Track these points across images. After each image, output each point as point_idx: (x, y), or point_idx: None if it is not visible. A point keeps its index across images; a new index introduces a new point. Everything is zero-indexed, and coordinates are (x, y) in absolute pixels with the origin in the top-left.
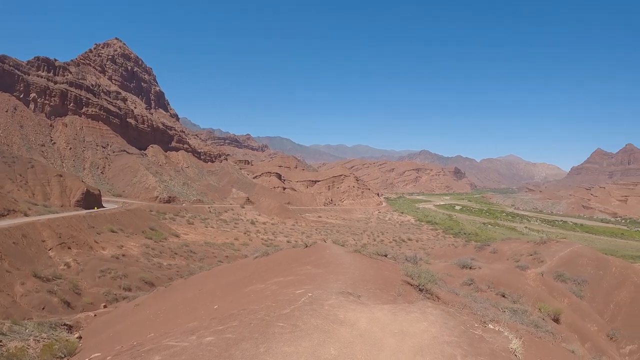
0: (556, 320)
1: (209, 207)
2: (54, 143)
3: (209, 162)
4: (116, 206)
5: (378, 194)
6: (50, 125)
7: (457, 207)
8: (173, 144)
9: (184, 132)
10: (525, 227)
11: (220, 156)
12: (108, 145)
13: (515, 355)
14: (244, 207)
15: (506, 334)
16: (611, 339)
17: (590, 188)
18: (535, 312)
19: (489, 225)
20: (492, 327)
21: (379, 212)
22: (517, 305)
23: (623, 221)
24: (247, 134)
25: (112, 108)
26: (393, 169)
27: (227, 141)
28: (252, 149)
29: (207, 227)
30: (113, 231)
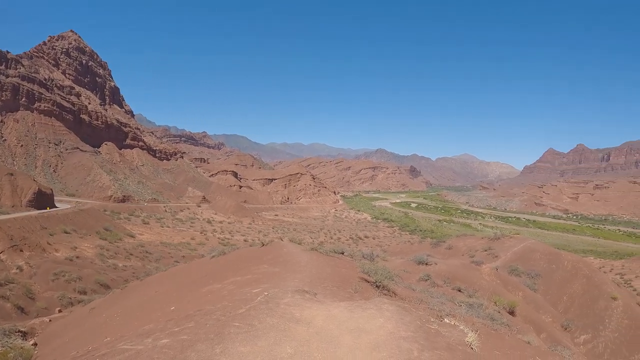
0: (512, 313)
1: (164, 207)
2: (5, 140)
3: (165, 160)
4: (69, 206)
5: (334, 192)
6: (1, 121)
7: (413, 205)
8: (128, 141)
9: (139, 129)
10: (480, 223)
11: (175, 154)
12: (61, 142)
13: (472, 348)
14: (200, 206)
15: (462, 327)
16: (565, 329)
17: (542, 186)
18: (491, 306)
19: (444, 222)
20: (448, 321)
21: (336, 210)
22: (473, 299)
23: (574, 217)
24: (204, 132)
25: (65, 104)
26: (349, 167)
27: (182, 139)
28: (208, 147)
29: (162, 227)
30: (66, 232)
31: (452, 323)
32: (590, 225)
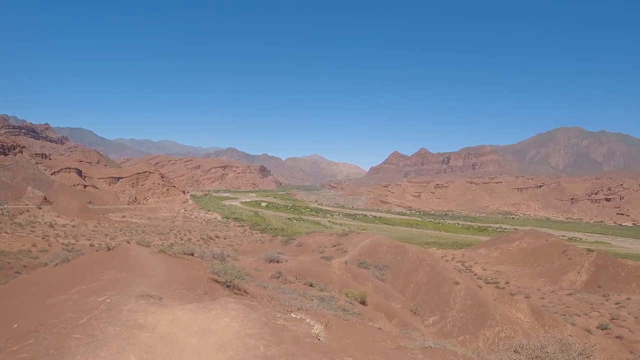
0: (363, 303)
1: (1, 209)
2: None
3: (2, 156)
4: None
5: (184, 192)
6: None
7: (263, 204)
8: None
9: None
10: (329, 221)
11: (14, 148)
12: None
13: (319, 339)
14: (41, 208)
15: (308, 320)
16: (415, 313)
17: (387, 185)
18: (343, 298)
19: (294, 221)
20: (294, 315)
21: (185, 210)
22: (324, 293)
23: (417, 213)
24: (46, 124)
25: None
26: (199, 166)
27: (23, 131)
28: (51, 141)
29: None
30: None
31: (299, 317)
32: (432, 220)
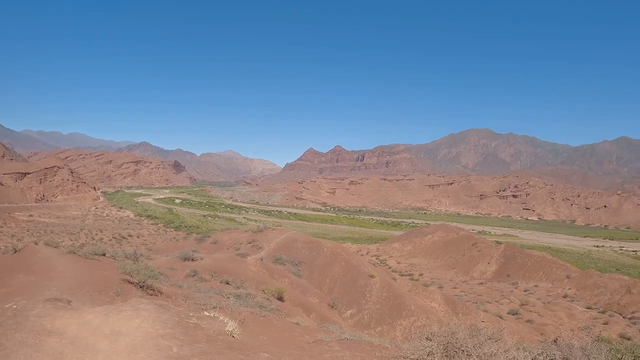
0: (280, 299)
1: None
2: None
3: None
4: None
5: (95, 188)
6: None
7: (177, 201)
8: None
9: None
10: (244, 217)
11: None
12: None
13: (233, 336)
14: None
15: (222, 318)
16: (332, 307)
17: (302, 182)
18: (260, 294)
19: (209, 217)
20: (207, 314)
21: (97, 208)
22: (241, 290)
23: (332, 209)
24: None
25: None
26: (111, 160)
27: None
28: None
29: None
30: None
31: (212, 315)
32: (347, 215)
